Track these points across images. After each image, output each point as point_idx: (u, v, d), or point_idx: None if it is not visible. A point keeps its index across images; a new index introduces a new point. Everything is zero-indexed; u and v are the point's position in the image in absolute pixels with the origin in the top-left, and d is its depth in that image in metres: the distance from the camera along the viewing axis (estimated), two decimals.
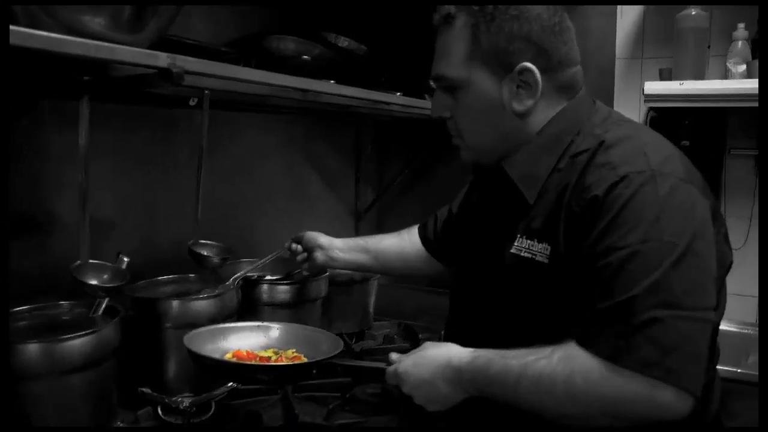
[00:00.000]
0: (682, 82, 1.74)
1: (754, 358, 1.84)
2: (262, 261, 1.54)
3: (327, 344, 1.29)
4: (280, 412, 1.34)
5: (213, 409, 1.31)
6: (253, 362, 1.24)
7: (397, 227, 2.34)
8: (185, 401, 1.26)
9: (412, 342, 1.81)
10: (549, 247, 0.95)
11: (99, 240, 1.31)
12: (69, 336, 1.04)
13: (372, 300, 1.93)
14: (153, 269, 1.47)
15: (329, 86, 1.39)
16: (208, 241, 1.38)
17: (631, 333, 0.80)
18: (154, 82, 0.93)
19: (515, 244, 1.00)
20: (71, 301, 1.21)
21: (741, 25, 1.84)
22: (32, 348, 1.01)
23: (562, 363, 0.85)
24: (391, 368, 1.09)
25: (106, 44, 0.81)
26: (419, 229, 1.49)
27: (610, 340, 0.82)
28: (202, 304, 1.32)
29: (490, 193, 1.15)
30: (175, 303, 1.30)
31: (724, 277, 0.95)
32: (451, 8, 1.01)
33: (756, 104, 1.73)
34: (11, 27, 0.70)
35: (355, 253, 1.50)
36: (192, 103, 1.34)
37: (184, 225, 1.59)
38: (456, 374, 0.98)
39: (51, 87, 1.12)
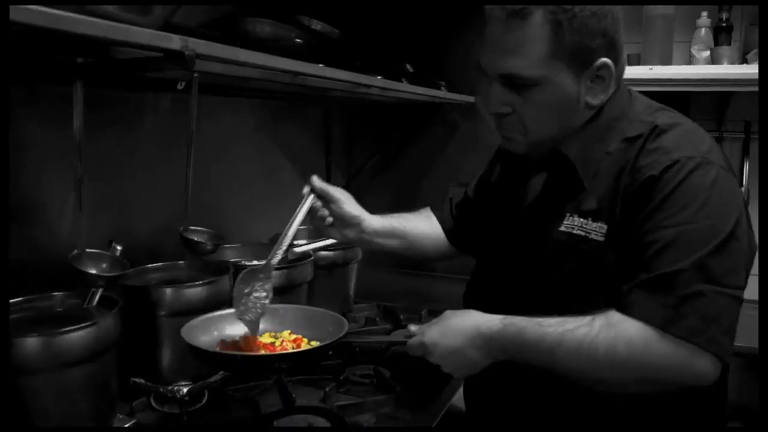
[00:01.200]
0: (651, 67, 1.81)
1: None
2: (295, 223, 1.26)
3: (324, 321, 1.29)
4: (275, 397, 1.34)
5: (206, 396, 1.30)
6: (272, 352, 1.21)
7: (369, 210, 2.37)
8: (182, 390, 1.25)
9: (394, 323, 1.84)
10: (605, 226, 0.98)
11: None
12: (71, 328, 1.01)
13: (353, 283, 1.94)
14: (133, 258, 1.43)
15: (340, 73, 1.38)
16: (199, 228, 1.36)
17: (679, 303, 0.87)
18: (162, 66, 0.90)
19: (565, 222, 1.03)
20: (64, 292, 1.18)
21: (704, 13, 1.93)
22: (32, 342, 0.98)
23: (604, 330, 0.91)
24: (414, 340, 1.12)
25: (122, 25, 0.78)
26: (434, 212, 1.46)
27: (658, 309, 0.88)
28: (195, 291, 1.30)
29: (526, 175, 1.15)
30: (168, 290, 1.28)
31: (752, 260, 1.00)
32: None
33: (719, 89, 1.83)
34: (22, 6, 0.67)
35: (391, 239, 1.36)
36: (180, 86, 1.30)
37: (161, 211, 1.56)
38: (486, 342, 1.02)
39: (40, 70, 1.08)
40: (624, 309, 0.91)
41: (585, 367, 0.92)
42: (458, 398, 1.36)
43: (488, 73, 1.04)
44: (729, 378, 1.09)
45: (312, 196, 1.28)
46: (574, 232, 1.01)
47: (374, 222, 1.32)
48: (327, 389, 1.36)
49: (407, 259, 2.33)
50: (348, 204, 1.29)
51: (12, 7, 0.65)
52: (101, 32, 0.76)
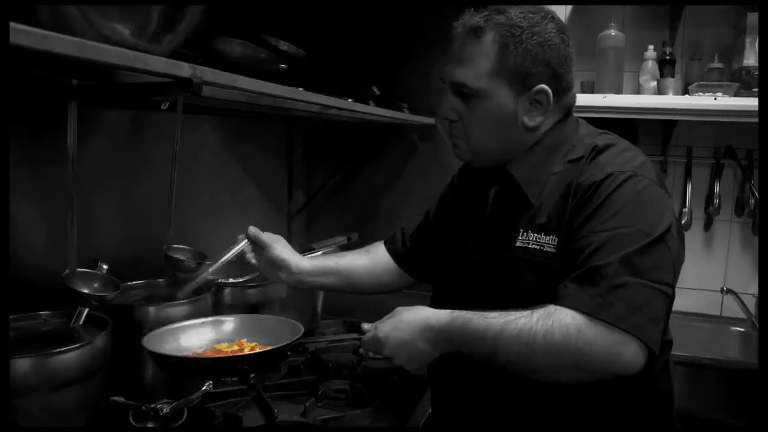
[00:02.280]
0: (605, 95, 1.94)
1: None
2: (223, 260, 1.37)
3: (284, 328, 1.35)
4: (255, 413, 1.37)
5: (186, 413, 1.31)
6: (231, 354, 1.29)
7: (327, 228, 2.41)
8: (165, 407, 1.25)
9: None
10: (556, 239, 1.07)
11: (53, 245, 1.27)
12: (67, 348, 1.02)
13: (320, 300, 1.97)
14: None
15: (321, 98, 1.43)
16: (180, 246, 1.37)
17: (606, 292, 0.95)
18: (171, 91, 0.93)
19: (520, 237, 1.11)
20: (49, 312, 1.17)
21: (651, 47, 2.09)
22: (24, 363, 0.98)
23: (542, 320, 0.97)
24: (368, 335, 1.18)
25: (141, 54, 0.81)
26: (386, 244, 1.50)
27: (588, 298, 0.96)
28: (178, 309, 1.32)
29: (482, 196, 1.22)
30: (152, 309, 1.29)
31: (679, 270, 1.08)
32: (480, 21, 1.09)
33: (664, 117, 1.98)
34: (55, 35, 0.69)
35: (324, 277, 1.44)
36: (164, 106, 1.32)
37: (133, 228, 1.55)
38: (435, 334, 1.09)
39: (32, 91, 1.08)
40: (559, 301, 0.99)
41: (523, 353, 0.98)
42: None
43: (444, 82, 1.16)
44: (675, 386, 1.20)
45: (244, 242, 1.39)
46: (530, 246, 1.09)
47: (303, 263, 1.41)
48: (307, 404, 1.39)
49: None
50: (277, 249, 1.39)
51: (42, 36, 0.66)
52: (125, 61, 0.78)
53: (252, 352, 1.29)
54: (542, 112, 1.11)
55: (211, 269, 1.34)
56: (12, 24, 0.60)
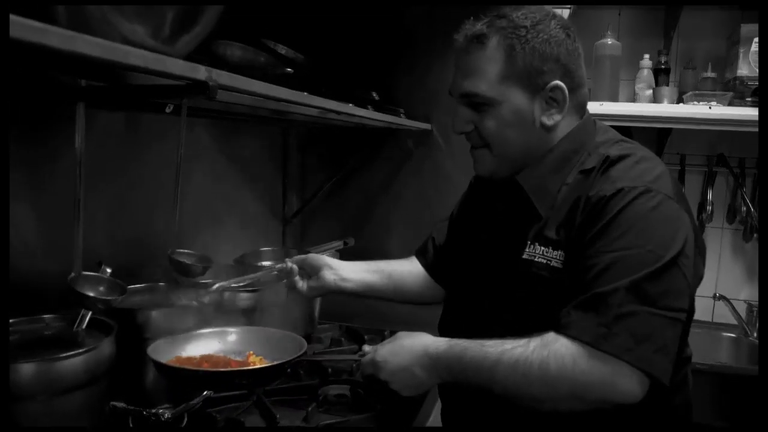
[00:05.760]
0: (602, 103, 1.97)
1: None
2: (250, 276, 1.44)
3: (287, 343, 1.38)
4: (256, 418, 1.36)
5: (186, 419, 1.30)
6: (233, 368, 1.30)
7: (322, 233, 2.40)
8: (167, 413, 1.24)
9: (359, 343, 1.88)
10: (564, 254, 1.03)
11: (52, 248, 1.25)
12: (72, 353, 1.00)
13: (318, 305, 1.96)
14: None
15: (329, 103, 1.43)
16: (185, 250, 1.35)
17: (612, 322, 0.91)
18: (185, 94, 0.92)
19: (527, 250, 1.07)
20: (51, 315, 1.15)
21: (646, 56, 2.12)
22: (29, 368, 0.96)
23: (539, 349, 0.95)
24: (366, 358, 1.17)
25: (160, 56, 0.80)
26: (417, 256, 1.47)
27: (592, 327, 0.92)
28: (183, 314, 1.31)
29: (493, 204, 1.20)
30: (155, 313, 1.28)
31: (697, 287, 1.05)
32: (483, 28, 1.06)
33: (659, 125, 2.01)
34: (78, 35, 0.68)
35: (367, 274, 1.41)
36: (168, 110, 1.31)
37: (132, 231, 1.53)
38: (433, 362, 1.07)
39: (39, 91, 1.06)
40: (561, 329, 0.95)
41: (520, 384, 0.96)
42: (437, 413, 1.41)
43: (453, 96, 1.13)
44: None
45: (282, 264, 1.43)
46: (536, 259, 1.06)
47: (345, 263, 1.42)
48: (309, 409, 1.38)
49: None
50: (318, 255, 1.43)
51: (67, 37, 0.64)
52: (145, 63, 0.77)
53: (254, 367, 1.29)
54: (560, 110, 1.08)
55: (234, 282, 1.39)
56: (39, 24, 0.59)
